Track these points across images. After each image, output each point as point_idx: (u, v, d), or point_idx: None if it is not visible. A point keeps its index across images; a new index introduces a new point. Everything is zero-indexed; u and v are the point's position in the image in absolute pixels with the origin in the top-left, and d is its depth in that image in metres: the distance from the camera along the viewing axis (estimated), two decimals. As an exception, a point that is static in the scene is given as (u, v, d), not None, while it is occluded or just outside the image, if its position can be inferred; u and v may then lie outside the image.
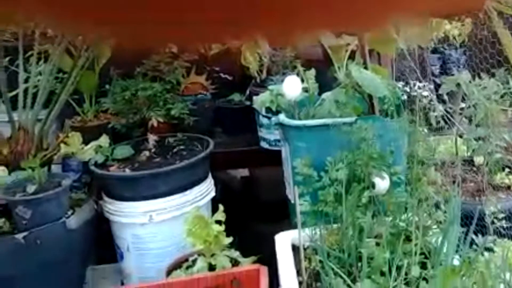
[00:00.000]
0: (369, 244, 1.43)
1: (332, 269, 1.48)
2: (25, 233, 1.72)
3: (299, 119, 1.97)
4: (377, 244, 1.50)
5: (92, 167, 1.97)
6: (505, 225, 1.98)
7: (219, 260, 1.67)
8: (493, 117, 2.11)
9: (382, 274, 1.41)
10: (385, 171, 1.72)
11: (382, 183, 1.70)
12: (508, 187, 2.33)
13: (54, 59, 2.13)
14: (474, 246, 1.64)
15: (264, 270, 1.46)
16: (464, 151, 2.34)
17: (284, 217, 2.03)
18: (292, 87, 1.92)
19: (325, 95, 2.10)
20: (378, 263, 1.37)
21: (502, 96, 2.11)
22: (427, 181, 1.80)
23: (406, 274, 1.42)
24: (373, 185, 1.70)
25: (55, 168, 2.06)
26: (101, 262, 2.08)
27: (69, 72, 2.14)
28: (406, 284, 1.39)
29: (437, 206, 1.73)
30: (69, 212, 1.83)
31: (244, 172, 2.95)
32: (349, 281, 1.37)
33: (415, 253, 1.51)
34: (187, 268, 1.68)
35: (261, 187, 2.76)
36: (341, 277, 1.41)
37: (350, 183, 1.69)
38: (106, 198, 1.96)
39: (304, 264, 1.03)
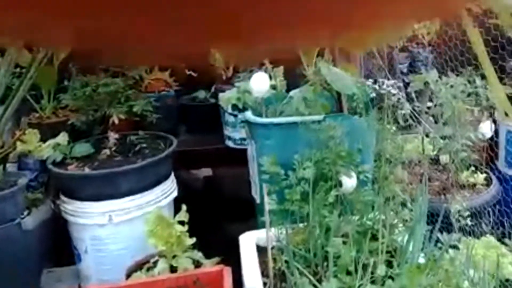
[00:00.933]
0: (335, 243, 1.40)
1: (298, 269, 1.45)
2: (-22, 234, 1.64)
3: (266, 116, 1.94)
4: (344, 243, 1.48)
5: (50, 166, 1.89)
6: (469, 223, 1.99)
7: (181, 261, 1.62)
8: (459, 116, 2.12)
9: (348, 273, 1.38)
10: (352, 170, 1.70)
11: (349, 182, 1.68)
12: (473, 186, 2.35)
13: (11, 54, 2.04)
14: (439, 244, 1.63)
15: (228, 271, 1.41)
16: (430, 150, 2.35)
17: (248, 218, 1.99)
18: (259, 84, 1.88)
19: (293, 92, 2.08)
20: (344, 262, 1.35)
21: (468, 95, 2.12)
22: (394, 179, 1.79)
23: (372, 272, 1.40)
24: (340, 184, 1.68)
25: (11, 167, 1.97)
26: (57, 264, 1.99)
27: (27, 67, 2.05)
28: (372, 282, 1.36)
29: (403, 204, 1.72)
30: (25, 213, 1.75)
31: (208, 171, 2.91)
32: (314, 281, 1.34)
33: (382, 252, 1.49)
34: (148, 270, 1.62)
35: (225, 187, 2.72)
36: (306, 277, 1.38)
37: (317, 182, 1.66)
38: (64, 198, 1.88)
39: (270, 264, 0.99)
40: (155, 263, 1.63)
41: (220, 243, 1.68)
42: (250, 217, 2.01)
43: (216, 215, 2.16)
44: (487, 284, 1.42)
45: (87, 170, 1.84)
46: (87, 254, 1.84)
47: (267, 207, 1.06)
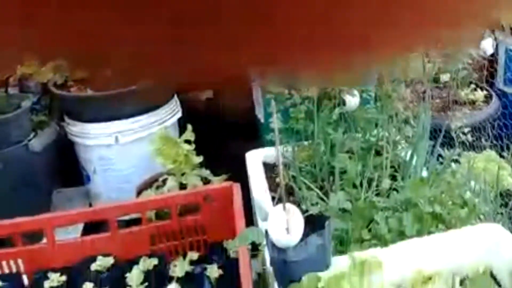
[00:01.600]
0: (341, 158, 1.43)
1: (305, 183, 1.48)
2: (-14, 157, 1.65)
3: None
4: (350, 158, 1.51)
5: (52, 88, 1.88)
6: (470, 138, 2.02)
7: (190, 179, 1.65)
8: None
9: (354, 186, 1.42)
10: (355, 88, 1.70)
11: (352, 100, 1.69)
12: (473, 102, 2.37)
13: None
14: (441, 159, 1.66)
15: (237, 187, 1.44)
16: (431, 69, 2.33)
17: (252, 138, 2.01)
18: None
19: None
20: (350, 176, 1.38)
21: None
22: (396, 97, 1.79)
23: (377, 186, 1.44)
24: (343, 102, 1.69)
25: (12, 90, 1.96)
26: (67, 185, 2.03)
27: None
28: (377, 195, 1.41)
29: (406, 121, 1.74)
30: (31, 135, 1.75)
31: (209, 93, 2.88)
32: (321, 194, 1.38)
33: (386, 167, 1.52)
34: (157, 188, 1.65)
35: (228, 108, 2.69)
36: (313, 190, 1.42)
37: (321, 100, 1.67)
38: (68, 120, 1.88)
39: (281, 177, 1.01)
40: (164, 181, 1.66)
41: (227, 162, 1.70)
42: (254, 137, 2.03)
43: (220, 135, 2.17)
44: (488, 195, 1.46)
45: (89, 92, 1.83)
46: (96, 175, 1.86)
47: (275, 124, 1.07)
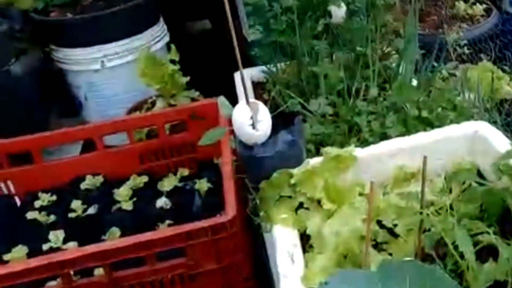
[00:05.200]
0: (324, 65, 1.39)
1: (291, 96, 1.46)
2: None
3: None
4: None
5: (32, 14, 1.84)
6: (467, 52, 1.97)
7: (179, 100, 1.64)
8: None
9: (340, 96, 1.39)
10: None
11: (338, 12, 1.63)
12: (472, 17, 2.29)
13: None
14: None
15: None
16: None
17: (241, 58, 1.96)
18: None
19: None
20: (333, 82, 1.35)
21: None
22: (386, 7, 1.72)
23: (364, 95, 1.41)
24: (329, 14, 1.63)
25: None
26: (63, 116, 2.01)
27: None
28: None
29: (396, 33, 1.69)
30: (13, 60, 1.71)
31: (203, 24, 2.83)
32: (303, 102, 1.35)
33: (374, 78, 1.49)
34: (147, 110, 1.65)
35: (219, 37, 2.65)
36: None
37: (305, 12, 1.61)
38: (52, 46, 1.85)
39: (241, 72, 0.98)
40: (153, 103, 1.65)
41: (217, 83, 1.68)
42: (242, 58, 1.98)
43: (211, 61, 2.14)
44: (482, 102, 1.43)
45: (69, 16, 1.79)
46: (87, 101, 1.86)
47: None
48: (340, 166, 1.02)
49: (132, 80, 1.77)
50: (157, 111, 1.54)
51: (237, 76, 1.65)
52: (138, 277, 1.02)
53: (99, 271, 1.04)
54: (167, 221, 1.20)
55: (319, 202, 0.96)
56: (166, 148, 1.45)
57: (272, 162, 0.97)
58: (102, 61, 1.78)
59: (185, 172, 1.40)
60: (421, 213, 0.84)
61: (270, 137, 0.99)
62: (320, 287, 0.61)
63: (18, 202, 1.38)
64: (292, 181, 0.96)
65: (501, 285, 0.79)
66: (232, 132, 1.04)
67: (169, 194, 1.31)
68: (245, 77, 1.64)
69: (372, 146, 1.10)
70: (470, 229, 0.85)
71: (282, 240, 0.89)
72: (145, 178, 1.37)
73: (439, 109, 1.33)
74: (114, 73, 1.82)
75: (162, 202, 1.28)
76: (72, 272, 1.01)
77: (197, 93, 1.70)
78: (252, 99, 1.01)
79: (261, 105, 1.00)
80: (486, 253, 0.82)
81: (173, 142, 1.45)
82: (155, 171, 1.43)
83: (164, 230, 1.10)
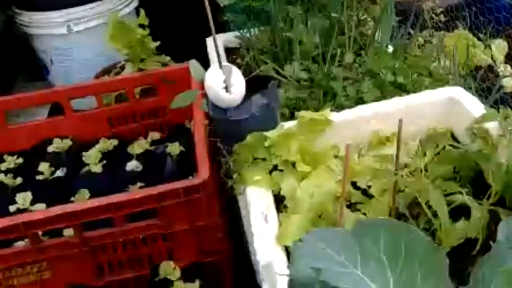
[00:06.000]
0: (299, 30, 1.37)
1: (265, 62, 1.43)
2: None
3: None
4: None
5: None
6: (443, 19, 1.96)
7: (148, 65, 1.60)
8: None
9: (315, 62, 1.38)
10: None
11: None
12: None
13: None
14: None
15: (194, 67, 1.39)
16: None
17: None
18: None
19: None
20: (307, 48, 1.33)
21: None
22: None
23: (339, 61, 1.39)
24: (304, -21, 1.60)
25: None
26: (29, 80, 1.95)
27: None
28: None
29: (372, 0, 1.67)
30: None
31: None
32: (277, 67, 1.33)
33: (349, 45, 1.47)
34: (116, 74, 1.60)
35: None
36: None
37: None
38: (16, 10, 1.77)
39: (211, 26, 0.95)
40: (122, 67, 1.60)
41: (188, 49, 1.64)
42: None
43: (182, 26, 2.08)
44: (458, 70, 1.43)
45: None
46: (53, 66, 1.79)
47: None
48: (315, 130, 1.01)
49: (100, 45, 1.71)
50: (126, 75, 1.49)
51: (209, 41, 1.62)
52: (109, 237, 1.00)
53: (69, 232, 1.02)
54: (139, 184, 1.17)
55: (293, 165, 0.95)
56: (136, 112, 1.42)
57: (247, 125, 0.95)
58: (69, 25, 1.71)
59: (156, 136, 1.38)
60: (396, 174, 0.83)
61: (244, 100, 0.97)
62: (295, 245, 0.60)
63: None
64: (267, 143, 0.95)
65: (472, 242, 0.80)
66: (204, 96, 1.02)
67: (139, 158, 1.28)
68: (218, 43, 1.62)
69: (347, 110, 1.09)
70: (444, 189, 0.86)
71: (256, 201, 0.88)
72: (114, 142, 1.34)
73: (415, 75, 1.33)
74: (82, 38, 1.76)
75: (133, 165, 1.25)
76: (40, 233, 0.98)
77: (168, 58, 1.66)
78: (225, 63, 0.99)
79: (234, 68, 0.98)
80: (458, 213, 0.83)
81: (143, 106, 1.42)
82: (125, 135, 1.40)
83: (138, 191, 1.08)
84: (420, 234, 0.58)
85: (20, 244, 1.04)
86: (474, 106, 1.05)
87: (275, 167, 0.95)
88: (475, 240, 0.80)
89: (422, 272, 0.55)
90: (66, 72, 1.80)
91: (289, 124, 0.99)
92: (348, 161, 0.70)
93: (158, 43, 1.59)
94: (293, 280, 0.57)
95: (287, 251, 0.77)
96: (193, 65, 1.00)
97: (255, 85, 1.01)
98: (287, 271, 0.59)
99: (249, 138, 0.93)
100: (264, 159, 0.96)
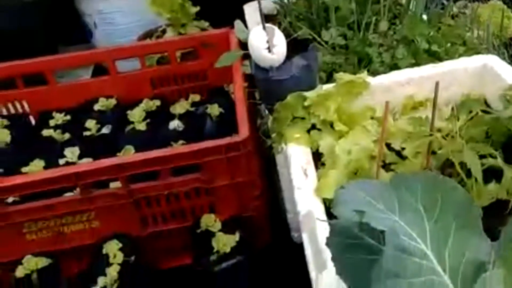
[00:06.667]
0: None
1: (301, 27, 1.47)
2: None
3: None
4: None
5: None
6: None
7: (189, 29, 1.64)
8: None
9: (351, 28, 1.40)
10: None
11: None
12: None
13: None
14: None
15: (233, 32, 1.43)
16: None
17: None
18: None
19: None
20: (343, 14, 1.36)
21: None
22: None
23: (374, 29, 1.42)
24: None
25: None
26: (73, 43, 2.01)
27: None
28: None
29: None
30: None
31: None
32: (314, 34, 1.36)
33: (384, 12, 1.49)
34: (157, 38, 1.65)
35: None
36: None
37: None
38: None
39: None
40: (164, 31, 1.65)
41: (226, 14, 1.67)
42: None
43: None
44: (491, 39, 1.44)
45: None
46: (97, 29, 1.85)
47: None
48: (352, 92, 1.05)
49: (142, 9, 1.76)
50: (168, 38, 1.54)
51: (247, 7, 1.66)
52: (155, 190, 1.07)
53: (115, 185, 1.09)
54: (181, 141, 1.23)
55: (331, 125, 1.00)
56: (178, 75, 1.48)
57: (287, 85, 0.99)
58: (114, -11, 1.76)
59: (196, 98, 1.43)
60: (430, 135, 0.87)
61: (285, 61, 1.02)
62: (337, 191, 0.65)
63: (33, 122, 1.41)
64: (306, 103, 0.99)
65: (503, 203, 0.84)
66: (245, 58, 1.06)
67: (181, 117, 1.34)
68: (255, 8, 1.66)
69: (382, 76, 1.13)
70: (477, 151, 0.89)
71: (296, 157, 0.93)
72: (157, 102, 1.40)
73: (449, 44, 1.35)
74: (124, 1, 1.80)
75: (175, 124, 1.31)
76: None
77: (207, 23, 1.70)
78: (268, 24, 1.03)
79: (276, 30, 1.02)
80: (489, 176, 0.86)
81: (184, 69, 1.47)
82: (166, 96, 1.45)
83: (183, 147, 1.14)
84: (457, 186, 0.59)
85: (69, 194, 1.10)
86: (508, 74, 1.07)
87: (313, 126, 0.99)
88: (505, 201, 0.83)
89: (457, 223, 0.57)
90: (109, 36, 1.86)
91: (327, 86, 1.03)
92: (387, 117, 0.74)
93: (198, 8, 1.63)
94: (334, 224, 0.62)
95: (325, 204, 0.83)
96: (238, 25, 1.04)
97: (293, 48, 1.05)
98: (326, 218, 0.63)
99: (289, 97, 0.98)
100: (303, 118, 1.00)
